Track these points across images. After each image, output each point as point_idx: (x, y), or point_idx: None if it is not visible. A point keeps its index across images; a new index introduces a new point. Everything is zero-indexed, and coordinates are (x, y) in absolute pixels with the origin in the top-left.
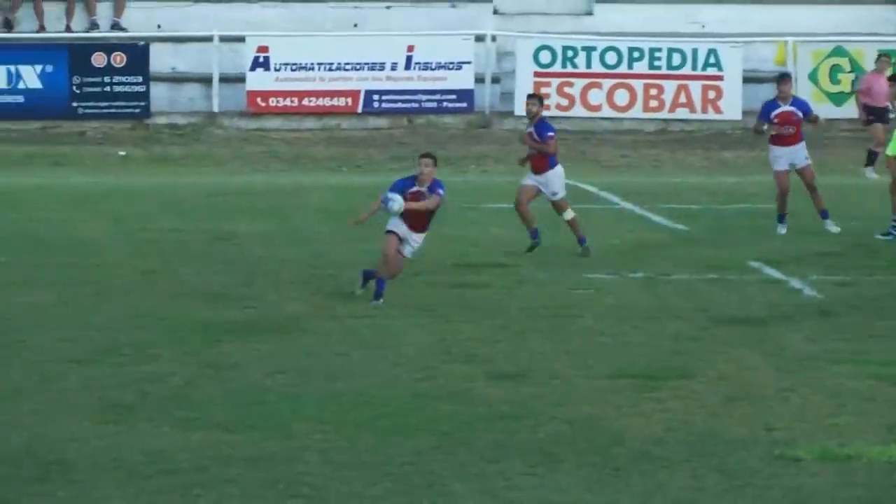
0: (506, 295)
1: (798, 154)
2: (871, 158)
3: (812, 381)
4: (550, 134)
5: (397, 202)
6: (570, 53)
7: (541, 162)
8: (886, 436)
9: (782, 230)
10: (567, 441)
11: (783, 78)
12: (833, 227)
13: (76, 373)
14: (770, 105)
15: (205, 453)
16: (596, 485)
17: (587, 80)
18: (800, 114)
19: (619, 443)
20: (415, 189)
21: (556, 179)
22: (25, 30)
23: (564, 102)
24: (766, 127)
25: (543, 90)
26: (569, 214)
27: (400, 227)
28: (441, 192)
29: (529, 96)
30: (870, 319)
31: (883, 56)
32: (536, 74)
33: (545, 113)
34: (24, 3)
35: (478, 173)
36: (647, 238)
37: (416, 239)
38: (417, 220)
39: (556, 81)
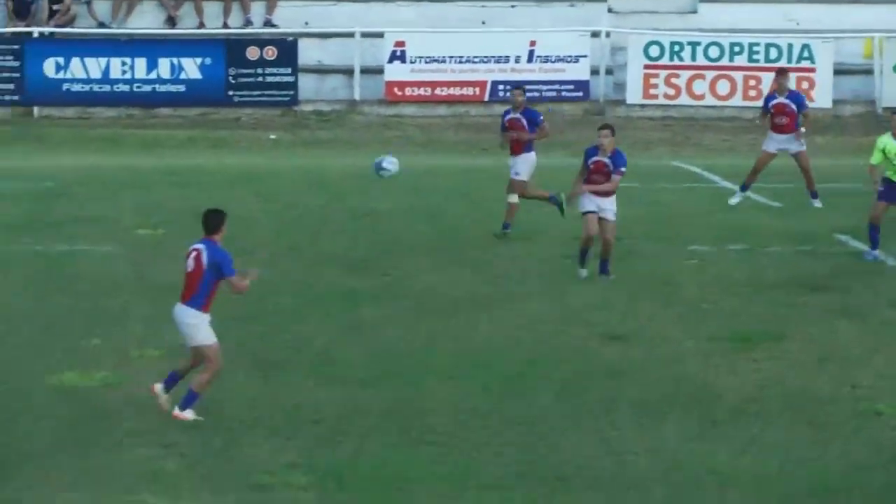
0: (617, 265)
1: (792, 141)
2: None
3: (894, 343)
4: (542, 118)
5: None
6: (676, 48)
7: (519, 146)
8: None
9: (817, 204)
10: (671, 397)
11: (781, 73)
12: (817, 203)
13: (233, 332)
14: (769, 97)
15: (346, 406)
16: (697, 437)
17: (692, 72)
18: (793, 106)
19: (719, 399)
20: (596, 159)
21: (525, 163)
22: (187, 26)
23: (671, 92)
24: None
25: (652, 81)
26: (513, 199)
27: (591, 205)
28: (623, 169)
29: (515, 87)
30: None
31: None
32: (646, 67)
33: (656, 102)
34: (186, 2)
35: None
36: (745, 214)
37: (610, 204)
38: (605, 193)
39: (664, 73)
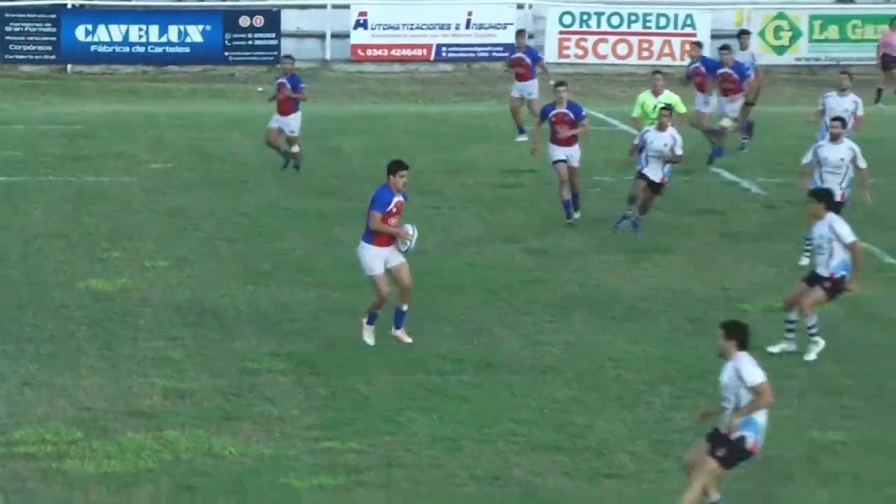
0: (536, 192)
1: (729, 105)
2: (879, 93)
3: (758, 255)
4: (302, 86)
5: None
6: (585, 17)
7: (286, 106)
8: None
9: (746, 150)
10: (579, 298)
11: (723, 48)
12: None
13: (227, 248)
14: (716, 65)
15: (319, 306)
16: (600, 329)
17: (597, 37)
18: (735, 75)
19: (617, 300)
20: (557, 111)
21: (296, 121)
22: (191, 0)
23: (581, 53)
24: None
25: (565, 44)
26: (296, 148)
27: (561, 154)
28: (584, 115)
29: (284, 57)
30: (802, 211)
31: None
32: (560, 32)
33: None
34: None
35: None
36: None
37: (576, 152)
38: (572, 140)
39: (574, 38)
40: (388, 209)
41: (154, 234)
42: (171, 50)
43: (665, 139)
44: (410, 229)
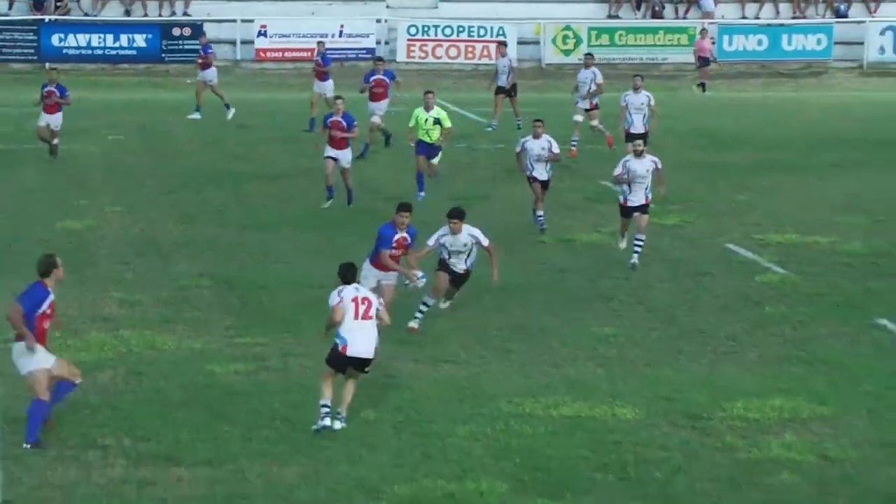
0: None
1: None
2: (703, 87)
3: (552, 198)
4: (67, 94)
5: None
6: (425, 28)
7: (53, 108)
8: None
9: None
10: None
11: (377, 59)
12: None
13: (165, 198)
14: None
15: (233, 240)
16: None
17: (434, 43)
18: (387, 80)
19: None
20: (427, 116)
21: (58, 120)
22: (137, 15)
23: (423, 55)
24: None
25: (412, 48)
26: (55, 140)
27: (332, 153)
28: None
29: (51, 69)
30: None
31: (703, 29)
32: (408, 40)
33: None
34: (136, 2)
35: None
36: (469, 130)
37: (347, 154)
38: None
39: (418, 44)
40: (391, 245)
41: (111, 188)
42: (122, 53)
43: (542, 144)
44: (420, 275)
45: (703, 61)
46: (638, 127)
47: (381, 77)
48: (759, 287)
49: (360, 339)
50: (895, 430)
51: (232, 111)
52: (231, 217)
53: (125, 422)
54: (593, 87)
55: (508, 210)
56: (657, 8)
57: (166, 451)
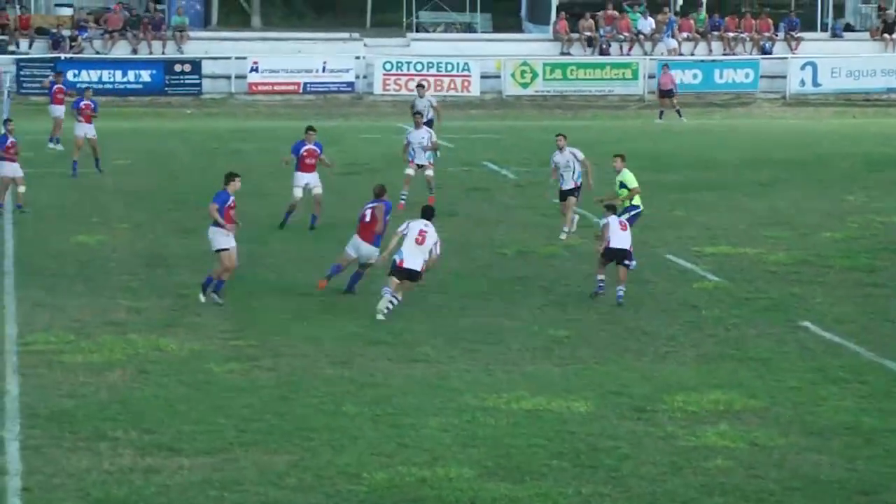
0: (375, 176)
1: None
2: (662, 114)
3: (511, 218)
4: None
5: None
6: (399, 64)
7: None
8: None
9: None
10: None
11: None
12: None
13: (168, 215)
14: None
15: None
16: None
17: (407, 77)
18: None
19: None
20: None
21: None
22: (143, 53)
23: (397, 88)
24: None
25: (387, 82)
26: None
27: (304, 179)
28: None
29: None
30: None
31: (665, 65)
32: (384, 74)
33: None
34: (142, 41)
35: (355, 121)
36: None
37: (316, 178)
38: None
39: (393, 78)
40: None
41: (120, 207)
42: (130, 87)
43: (422, 134)
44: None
45: (665, 93)
46: (568, 183)
47: (312, 147)
48: (696, 293)
49: (412, 257)
50: (817, 421)
51: (59, 147)
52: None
53: (133, 416)
54: (428, 144)
55: (473, 225)
56: (605, 46)
57: (169, 441)
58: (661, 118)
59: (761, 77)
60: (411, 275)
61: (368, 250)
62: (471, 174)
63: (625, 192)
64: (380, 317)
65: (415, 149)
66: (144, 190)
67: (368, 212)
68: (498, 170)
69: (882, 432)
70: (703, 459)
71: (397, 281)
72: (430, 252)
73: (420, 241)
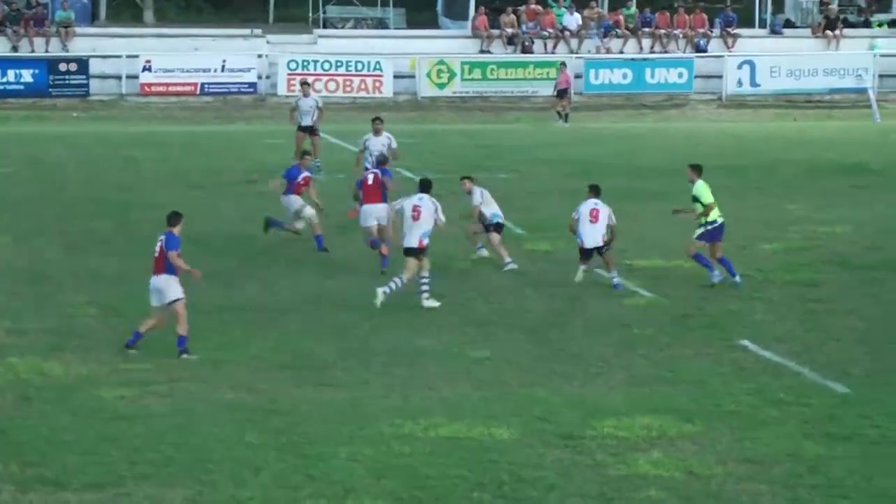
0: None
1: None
2: (561, 115)
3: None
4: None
5: None
6: (305, 63)
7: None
8: None
9: None
10: (308, 256)
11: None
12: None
13: (53, 227)
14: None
15: (119, 269)
16: (322, 277)
17: (314, 77)
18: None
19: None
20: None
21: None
22: (24, 51)
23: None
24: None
25: (292, 82)
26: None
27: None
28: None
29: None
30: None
31: (562, 63)
32: (288, 74)
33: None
34: (23, 38)
35: (258, 125)
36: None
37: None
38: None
39: (298, 78)
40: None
41: (0, 218)
42: (10, 88)
43: (383, 141)
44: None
45: (561, 92)
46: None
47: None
48: (628, 310)
49: (410, 235)
50: (757, 447)
51: None
52: (116, 246)
53: (13, 447)
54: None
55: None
56: (527, 43)
57: (54, 475)
58: (566, 122)
59: (696, 77)
60: (413, 252)
61: (382, 208)
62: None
63: (699, 206)
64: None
65: (372, 155)
66: (26, 200)
67: (371, 176)
68: (412, 177)
69: (826, 459)
70: (635, 490)
71: (415, 260)
72: (436, 222)
73: (416, 218)
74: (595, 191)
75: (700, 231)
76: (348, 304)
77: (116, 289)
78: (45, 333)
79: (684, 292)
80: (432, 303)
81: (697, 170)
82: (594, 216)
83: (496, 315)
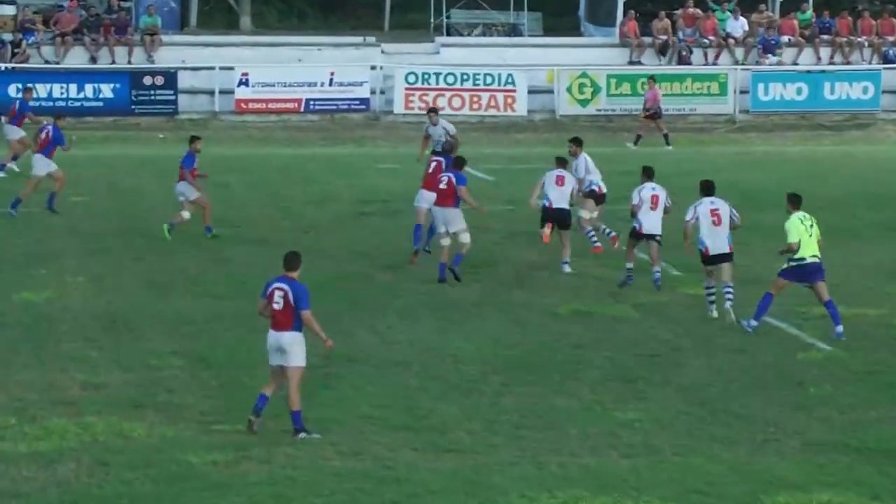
0: (387, 219)
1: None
2: (638, 138)
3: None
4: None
5: None
6: (426, 76)
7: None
8: None
9: None
10: (424, 304)
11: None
12: None
13: (134, 265)
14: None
15: (209, 312)
16: (440, 330)
17: (436, 92)
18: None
19: (455, 305)
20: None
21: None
22: (104, 63)
23: (423, 105)
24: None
25: (410, 98)
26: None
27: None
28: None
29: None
30: None
31: (651, 77)
32: (406, 89)
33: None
34: (103, 46)
35: (370, 147)
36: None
37: None
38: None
39: (417, 93)
40: None
41: (73, 255)
42: (88, 104)
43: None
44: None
45: (654, 113)
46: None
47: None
48: (802, 365)
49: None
50: None
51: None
52: (207, 286)
53: None
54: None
55: (516, 278)
56: (684, 53)
57: None
58: (636, 144)
59: (883, 92)
60: (726, 257)
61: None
62: (515, 214)
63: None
64: None
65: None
66: (103, 233)
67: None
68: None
69: None
70: None
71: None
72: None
73: (717, 223)
74: (649, 173)
75: (784, 266)
76: (473, 356)
77: (207, 336)
78: (125, 388)
79: (870, 344)
80: (746, 323)
81: (793, 201)
82: (654, 202)
83: (645, 369)
